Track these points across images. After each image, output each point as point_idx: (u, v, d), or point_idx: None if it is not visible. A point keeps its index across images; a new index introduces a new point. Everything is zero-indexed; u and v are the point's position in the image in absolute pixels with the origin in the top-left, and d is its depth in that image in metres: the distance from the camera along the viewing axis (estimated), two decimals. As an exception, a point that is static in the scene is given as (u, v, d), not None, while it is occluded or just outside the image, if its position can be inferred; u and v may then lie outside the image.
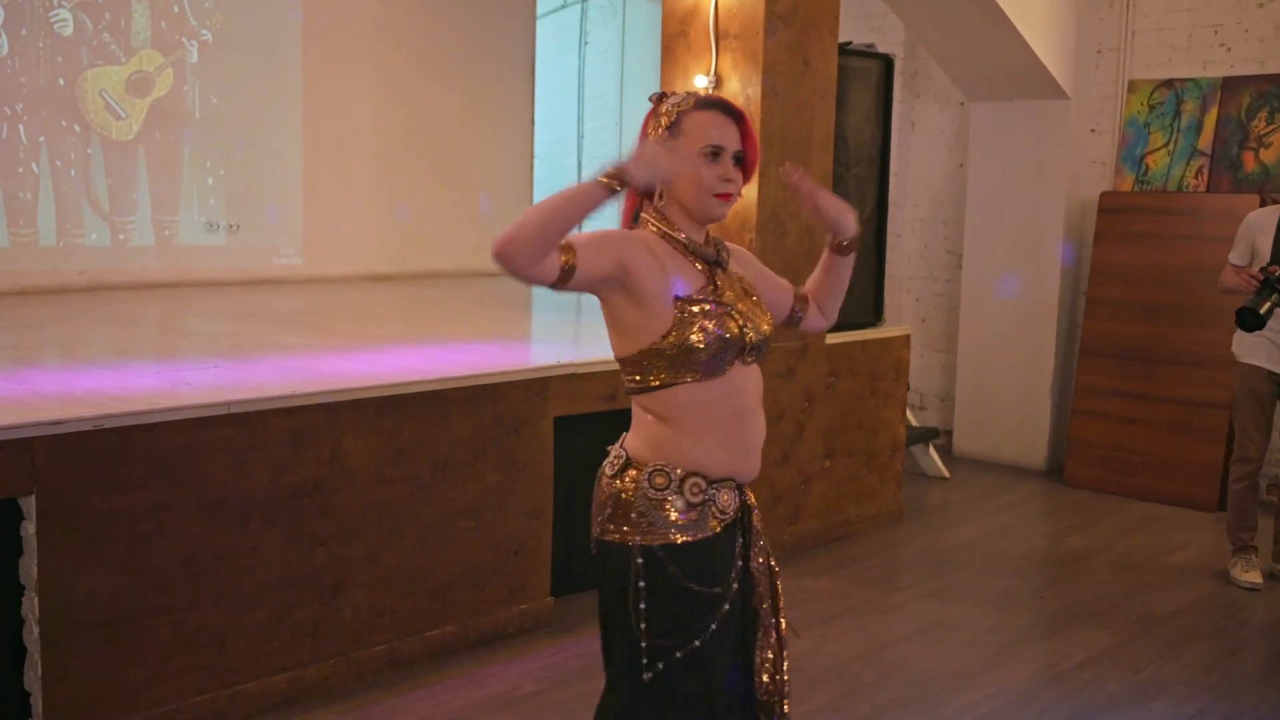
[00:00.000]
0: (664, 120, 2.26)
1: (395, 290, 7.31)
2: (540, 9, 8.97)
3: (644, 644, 2.18)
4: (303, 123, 7.50)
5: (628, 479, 2.22)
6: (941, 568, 5.24)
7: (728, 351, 2.20)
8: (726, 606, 2.23)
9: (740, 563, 2.27)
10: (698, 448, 2.21)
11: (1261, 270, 4.72)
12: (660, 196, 2.27)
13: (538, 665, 3.98)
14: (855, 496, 5.65)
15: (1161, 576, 5.12)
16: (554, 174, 9.86)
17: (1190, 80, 6.72)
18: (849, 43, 5.66)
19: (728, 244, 2.39)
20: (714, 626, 2.21)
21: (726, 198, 2.24)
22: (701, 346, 2.16)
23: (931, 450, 6.87)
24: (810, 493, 5.39)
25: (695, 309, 2.18)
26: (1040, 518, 6.25)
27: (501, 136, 8.51)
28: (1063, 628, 4.47)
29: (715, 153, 2.22)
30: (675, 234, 2.25)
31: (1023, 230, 7.10)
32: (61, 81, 6.57)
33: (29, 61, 6.45)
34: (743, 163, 2.27)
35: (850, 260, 2.49)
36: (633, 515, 2.20)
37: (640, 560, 2.19)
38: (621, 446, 2.28)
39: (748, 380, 2.27)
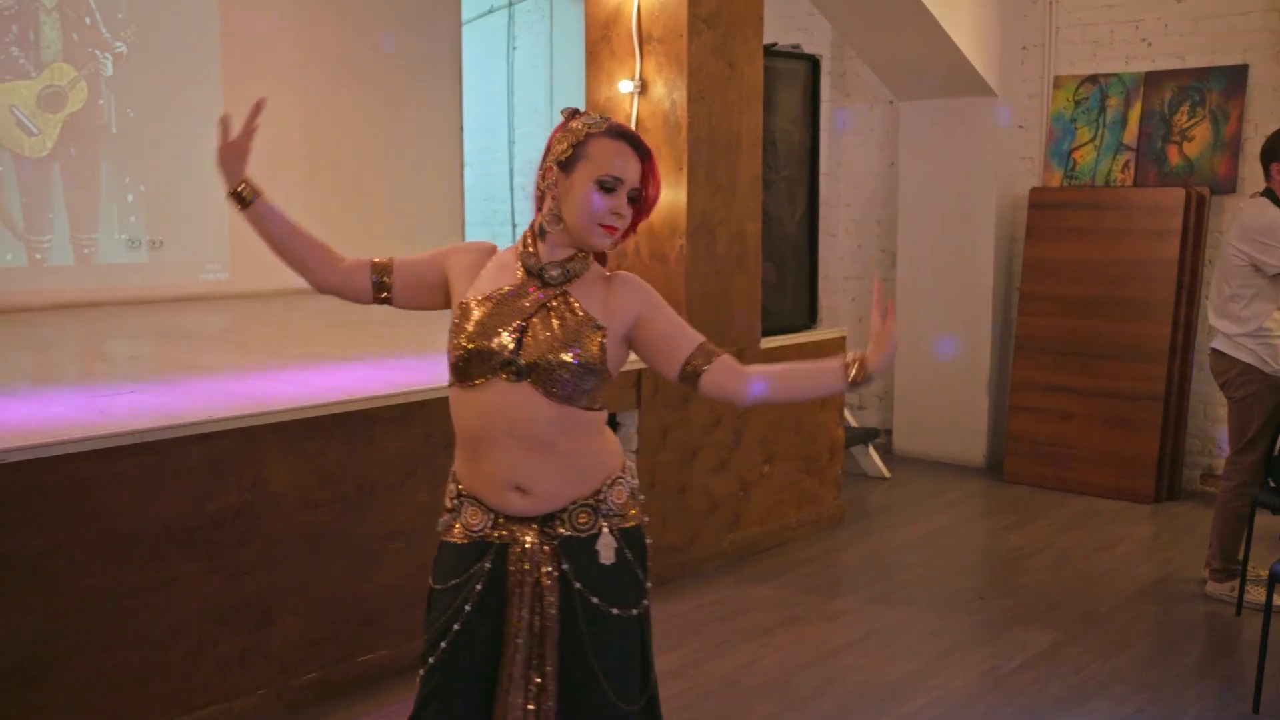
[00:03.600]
0: (571, 138, 2.16)
1: (324, 305, 7.13)
2: (466, 14, 8.86)
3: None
4: (225, 135, 7.31)
5: None
6: (884, 571, 5.21)
7: (480, 362, 2.12)
8: (457, 626, 2.18)
9: (478, 580, 2.18)
10: (457, 451, 2.25)
11: None
12: (552, 213, 2.17)
13: (474, 688, 3.88)
14: (795, 501, 5.62)
15: (1101, 573, 5.13)
16: (485, 182, 9.76)
17: (1114, 75, 6.78)
18: (774, 44, 5.63)
19: (624, 275, 2.25)
20: (444, 645, 2.18)
21: (612, 230, 2.15)
22: (451, 346, 2.15)
23: (871, 451, 6.86)
24: (750, 499, 5.35)
25: (465, 309, 2.16)
26: (981, 516, 6.26)
27: (430, 144, 8.39)
28: (1004, 629, 4.46)
29: (613, 185, 2.13)
30: (527, 247, 2.20)
31: (955, 227, 7.12)
32: (-32, 98, 6.36)
33: (-67, 78, 6.24)
34: (640, 202, 2.19)
35: (845, 391, 2.23)
36: None
37: None
38: None
39: (509, 402, 2.11)
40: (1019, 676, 4.00)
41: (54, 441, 3.15)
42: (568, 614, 2.16)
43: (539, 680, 2.17)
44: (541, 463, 2.14)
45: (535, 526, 2.17)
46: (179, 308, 6.89)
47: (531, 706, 2.16)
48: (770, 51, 5.41)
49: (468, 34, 8.81)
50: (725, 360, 2.21)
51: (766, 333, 5.37)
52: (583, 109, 2.23)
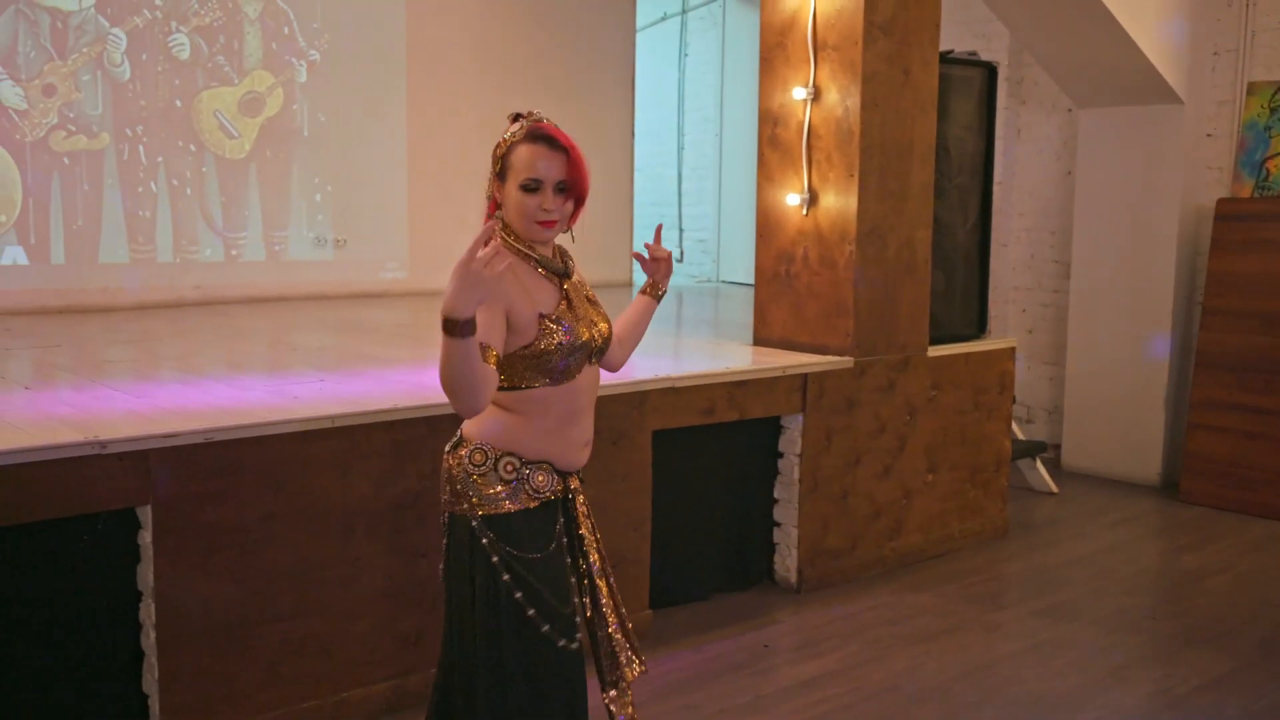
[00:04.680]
0: (501, 150, 2.42)
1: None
2: (640, 21, 9.02)
3: (529, 611, 2.37)
4: (407, 138, 7.65)
5: (455, 456, 2.45)
6: (1049, 585, 5.10)
7: (578, 356, 2.43)
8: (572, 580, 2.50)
9: (563, 534, 2.50)
10: (521, 434, 2.42)
11: None
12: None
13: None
14: (959, 512, 5.54)
15: (1283, 598, 4.92)
16: (654, 186, 9.90)
17: (1313, 81, 6.46)
18: (950, 51, 5.57)
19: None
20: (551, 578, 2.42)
21: (549, 224, 2.42)
22: (556, 353, 2.38)
23: (1039, 464, 6.71)
24: (912, 507, 5.31)
25: (553, 323, 2.39)
26: (1154, 535, 6.05)
27: (602, 149, 8.56)
28: (1178, 650, 4.32)
29: (535, 186, 2.37)
30: (529, 252, 2.44)
31: (1134, 239, 6.90)
32: (178, 103, 6.81)
33: (149, 85, 6.70)
34: (569, 191, 2.41)
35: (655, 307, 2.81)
36: (457, 488, 2.42)
37: (474, 527, 2.40)
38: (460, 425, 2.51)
39: (588, 380, 2.51)
40: (1194, 699, 3.88)
41: (256, 423, 3.38)
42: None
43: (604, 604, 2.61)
44: (592, 415, 2.58)
45: (577, 473, 2.55)
46: (360, 303, 7.22)
47: (613, 630, 2.62)
48: (946, 59, 5.36)
49: (641, 41, 8.97)
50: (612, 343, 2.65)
51: (934, 341, 5.33)
52: (524, 112, 2.46)
